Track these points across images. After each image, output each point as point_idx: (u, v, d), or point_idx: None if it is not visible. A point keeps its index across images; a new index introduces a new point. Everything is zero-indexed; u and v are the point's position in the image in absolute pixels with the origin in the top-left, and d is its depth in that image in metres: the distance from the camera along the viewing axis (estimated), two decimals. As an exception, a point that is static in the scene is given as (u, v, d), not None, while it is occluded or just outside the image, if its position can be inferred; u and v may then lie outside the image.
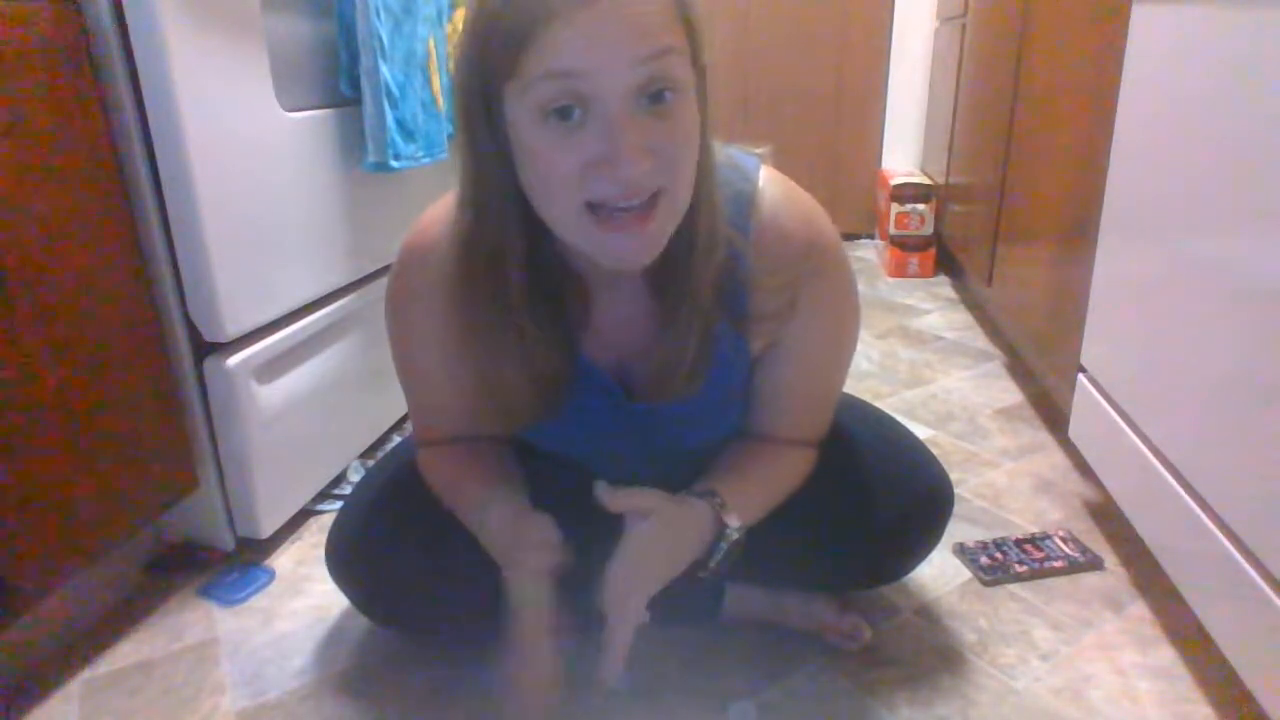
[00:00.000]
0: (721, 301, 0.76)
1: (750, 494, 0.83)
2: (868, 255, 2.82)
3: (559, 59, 0.60)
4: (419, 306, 0.81)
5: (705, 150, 0.70)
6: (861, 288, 0.86)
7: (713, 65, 0.70)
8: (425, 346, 0.83)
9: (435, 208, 0.81)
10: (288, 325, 1.17)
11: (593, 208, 0.65)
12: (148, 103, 0.94)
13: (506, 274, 0.72)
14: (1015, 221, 1.71)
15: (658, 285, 0.76)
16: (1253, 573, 0.78)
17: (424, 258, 0.78)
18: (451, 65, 1.41)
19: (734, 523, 0.79)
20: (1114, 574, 1.11)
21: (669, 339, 0.76)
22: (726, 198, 0.75)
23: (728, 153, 0.78)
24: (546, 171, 0.65)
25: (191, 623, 1.05)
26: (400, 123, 1.26)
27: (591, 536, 0.79)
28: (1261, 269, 0.78)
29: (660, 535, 0.77)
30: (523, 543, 0.78)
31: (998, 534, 1.19)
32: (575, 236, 0.68)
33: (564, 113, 0.62)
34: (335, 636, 1.02)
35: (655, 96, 0.62)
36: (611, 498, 0.76)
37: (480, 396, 0.81)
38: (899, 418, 1.02)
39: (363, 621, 1.01)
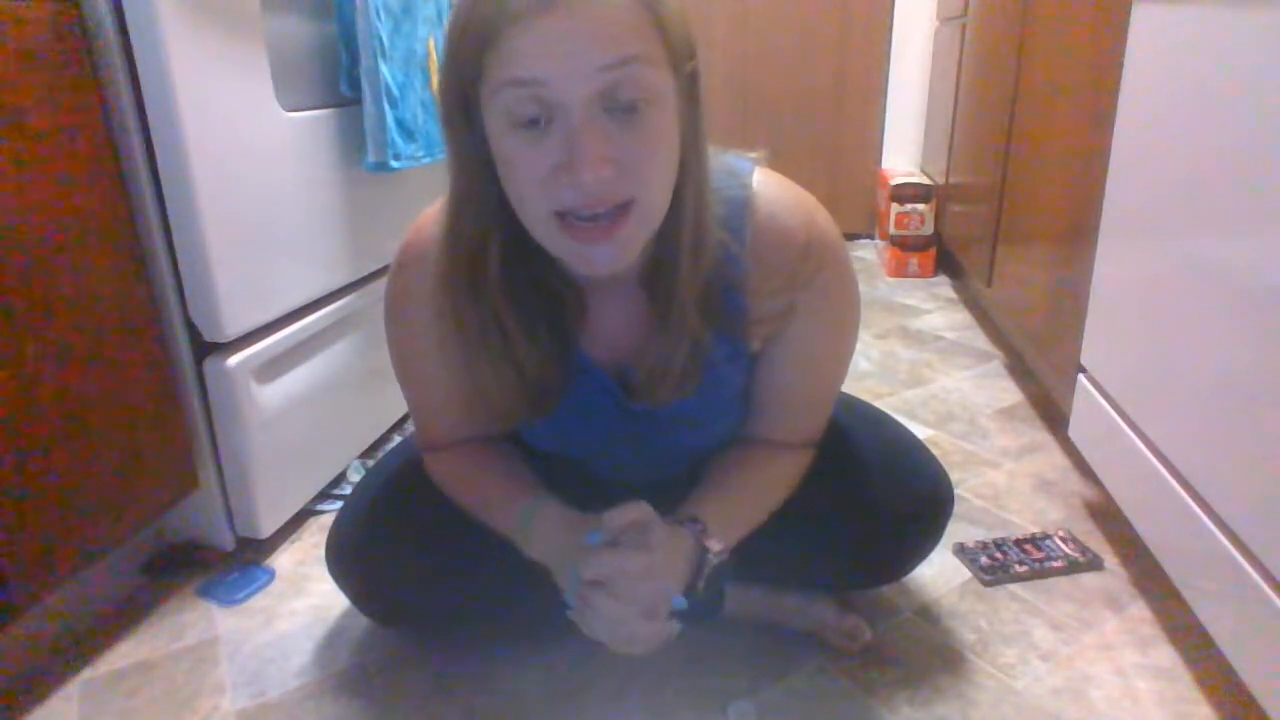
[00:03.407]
0: (716, 310, 0.76)
1: (736, 513, 0.82)
2: (868, 255, 2.82)
3: (518, 67, 0.60)
4: (416, 306, 0.81)
5: (697, 157, 0.70)
6: (861, 288, 0.86)
7: (708, 68, 0.69)
8: (423, 347, 0.83)
9: (432, 209, 0.81)
10: (288, 325, 1.17)
11: (561, 215, 0.65)
12: (148, 103, 0.94)
13: (486, 272, 0.72)
14: (1015, 221, 1.71)
15: (649, 291, 0.76)
16: (1253, 573, 0.78)
17: (420, 256, 0.78)
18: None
19: (715, 547, 0.77)
20: (1114, 574, 1.11)
21: (658, 345, 0.76)
22: (721, 202, 0.74)
23: (723, 159, 0.78)
24: (516, 176, 0.65)
25: (191, 623, 1.05)
26: (400, 123, 1.26)
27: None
28: (1262, 269, 0.78)
29: (647, 568, 0.73)
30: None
31: (998, 534, 1.19)
32: (547, 242, 0.68)
33: (530, 118, 0.62)
34: (335, 636, 1.02)
35: (623, 102, 0.62)
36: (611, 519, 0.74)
37: (477, 395, 0.81)
38: (899, 418, 1.02)
39: (363, 621, 1.01)
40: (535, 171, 0.63)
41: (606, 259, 0.67)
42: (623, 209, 0.65)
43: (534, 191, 0.64)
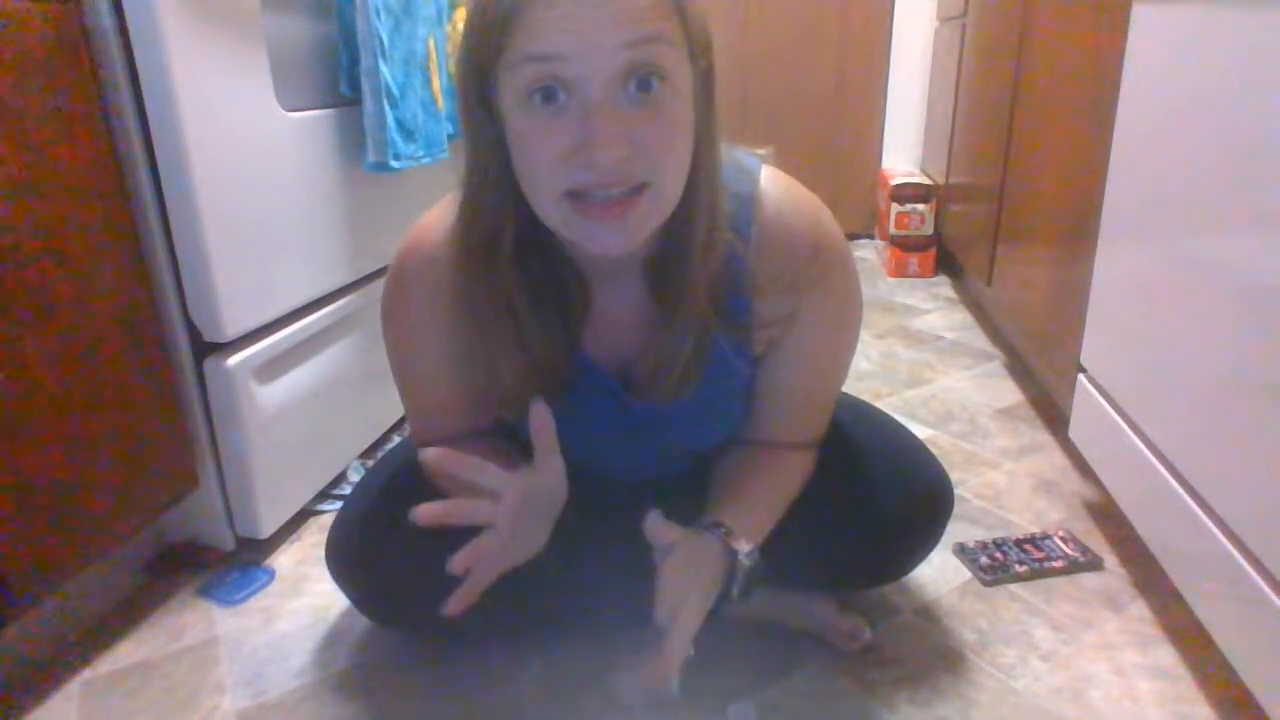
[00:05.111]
0: (721, 310, 0.76)
1: (755, 514, 0.82)
2: (868, 255, 2.82)
3: (539, 42, 0.60)
4: (420, 304, 0.80)
5: (710, 150, 0.70)
6: (862, 287, 0.86)
7: (716, 68, 0.69)
8: (425, 344, 0.83)
9: (429, 214, 0.81)
10: (288, 325, 1.17)
11: (573, 195, 0.65)
12: (148, 103, 0.94)
13: (500, 258, 0.72)
14: (1015, 221, 1.71)
15: (655, 285, 0.76)
16: (1253, 573, 0.78)
17: (422, 258, 0.78)
18: (452, 62, 1.42)
19: (744, 548, 0.77)
20: (1114, 574, 1.11)
21: (663, 340, 0.76)
22: (729, 198, 0.74)
23: (732, 154, 0.78)
24: (531, 156, 0.65)
25: (191, 623, 1.05)
26: (400, 123, 1.26)
27: (594, 538, 0.79)
28: (1261, 269, 0.78)
29: (690, 572, 0.75)
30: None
31: (998, 534, 1.19)
32: (558, 223, 0.68)
33: (548, 95, 0.62)
34: (335, 636, 1.02)
35: (642, 83, 0.62)
36: (655, 528, 0.74)
37: (481, 388, 0.80)
38: (899, 418, 1.02)
39: (363, 621, 1.01)
40: (549, 150, 0.63)
41: (616, 239, 0.67)
42: (636, 191, 0.65)
43: (547, 171, 0.64)
